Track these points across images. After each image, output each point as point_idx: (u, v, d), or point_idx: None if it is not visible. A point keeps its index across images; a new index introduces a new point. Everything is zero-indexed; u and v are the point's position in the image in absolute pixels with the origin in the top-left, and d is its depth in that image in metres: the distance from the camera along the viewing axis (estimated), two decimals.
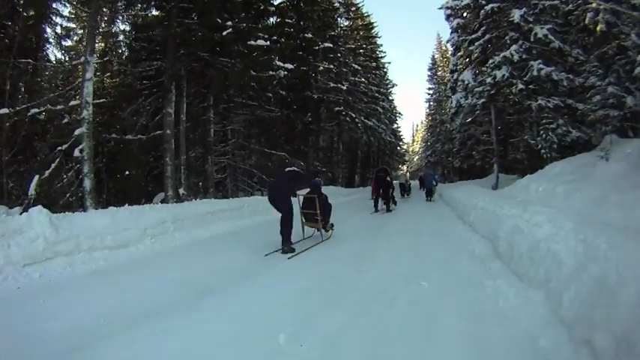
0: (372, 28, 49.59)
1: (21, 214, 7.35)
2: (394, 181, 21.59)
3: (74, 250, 7.38)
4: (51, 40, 19.43)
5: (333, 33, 33.70)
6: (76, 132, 12.83)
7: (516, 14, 18.93)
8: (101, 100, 17.70)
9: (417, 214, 17.14)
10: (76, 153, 12.82)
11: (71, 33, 20.25)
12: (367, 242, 9.99)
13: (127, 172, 18.36)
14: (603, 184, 10.17)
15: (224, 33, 17.02)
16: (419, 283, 6.02)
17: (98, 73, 19.43)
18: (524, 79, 19.02)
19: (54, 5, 18.02)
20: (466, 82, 24.35)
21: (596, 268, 4.03)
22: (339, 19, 38.83)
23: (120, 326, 4.34)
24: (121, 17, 19.83)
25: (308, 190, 9.96)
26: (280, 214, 8.68)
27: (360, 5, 45.97)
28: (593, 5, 14.56)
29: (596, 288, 3.82)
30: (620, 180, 9.97)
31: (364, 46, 47.98)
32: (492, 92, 21.88)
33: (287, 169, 8.94)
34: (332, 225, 10.41)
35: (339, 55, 34.21)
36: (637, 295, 3.20)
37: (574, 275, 4.33)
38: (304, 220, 9.84)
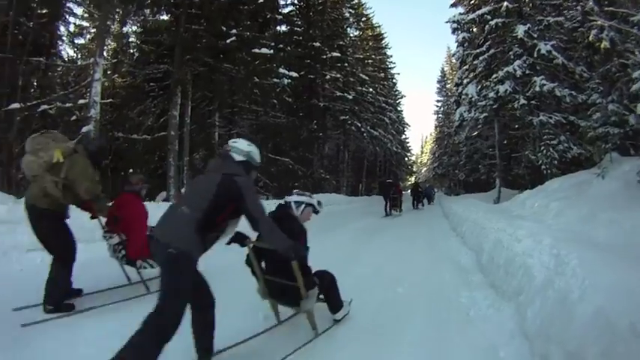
0: (382, 39, 49.89)
1: None
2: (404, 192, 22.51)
3: (80, 239, 7.72)
4: (64, 37, 19.83)
5: (341, 42, 33.82)
6: (84, 129, 13.18)
7: (520, 30, 18.94)
8: (109, 100, 18.12)
9: (414, 224, 17.34)
10: None
11: (84, 31, 20.59)
12: (358, 245, 10.38)
13: (130, 171, 18.62)
14: (595, 202, 10.22)
15: (228, 41, 17.48)
16: (394, 289, 6.27)
17: (109, 72, 19.82)
18: (527, 94, 19.09)
19: (68, 4, 18.42)
20: (470, 95, 24.33)
21: (562, 283, 4.12)
22: (348, 28, 39.02)
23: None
24: (131, 20, 20.16)
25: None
26: None
27: (370, 16, 46.43)
28: (598, 23, 14.68)
29: (558, 303, 3.93)
30: (613, 198, 9.98)
31: (373, 56, 47.90)
32: (495, 107, 22.01)
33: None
34: None
35: (346, 64, 34.25)
36: (593, 312, 3.27)
37: (541, 289, 4.46)
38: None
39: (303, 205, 4.68)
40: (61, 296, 4.95)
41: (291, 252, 3.71)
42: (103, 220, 5.79)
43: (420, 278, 7.19)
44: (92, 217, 5.72)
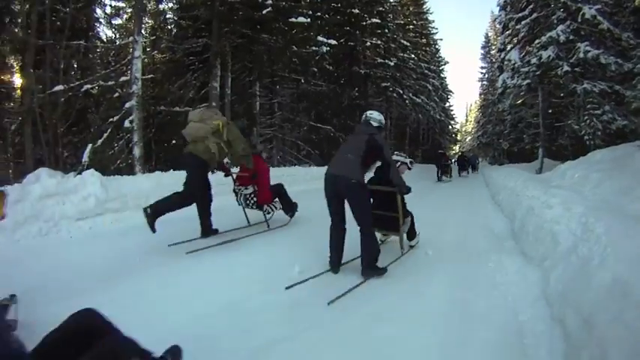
0: (423, 3, 49.19)
1: (75, 177, 8.03)
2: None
3: (121, 207, 8.22)
4: (101, 20, 20.24)
5: (381, 8, 33.18)
6: (127, 105, 13.62)
7: None
8: (150, 76, 18.44)
9: (455, 193, 17.24)
10: (126, 124, 13.58)
11: (121, 12, 20.82)
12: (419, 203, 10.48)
13: (173, 141, 18.99)
14: (636, 175, 10.10)
15: (264, 11, 17.58)
16: (425, 252, 6.46)
17: (148, 49, 20.10)
18: (571, 61, 18.67)
19: None
20: (513, 61, 23.88)
21: (585, 249, 4.18)
22: None
23: (153, 262, 5.53)
24: None
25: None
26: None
27: None
28: None
29: (579, 269, 3.99)
30: None
31: (414, 22, 47.47)
32: (538, 73, 21.59)
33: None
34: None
35: (386, 30, 33.72)
36: (610, 279, 3.32)
37: (565, 255, 4.52)
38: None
39: (399, 163, 6.43)
40: (208, 227, 6.97)
41: (404, 189, 5.59)
42: (235, 176, 7.91)
43: (453, 242, 7.40)
44: (226, 175, 7.89)
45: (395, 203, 5.84)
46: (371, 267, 5.19)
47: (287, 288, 4.70)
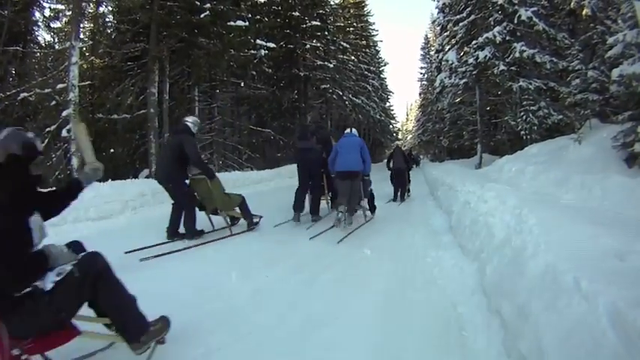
0: (364, 6, 49.54)
1: None
2: None
3: (59, 221, 7.91)
4: (40, 23, 19.54)
5: (321, 11, 33.20)
6: (64, 113, 13.36)
7: None
8: (86, 83, 18.06)
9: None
10: (64, 133, 13.30)
11: (60, 15, 20.16)
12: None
13: (111, 151, 18.64)
14: (570, 166, 10.42)
15: (202, 15, 17.40)
16: (363, 251, 6.47)
17: (87, 54, 19.67)
18: (507, 60, 19.15)
19: None
20: (450, 61, 24.43)
21: (518, 241, 4.24)
22: None
23: None
24: (106, 0, 20.03)
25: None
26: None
27: None
28: None
29: (512, 260, 4.07)
30: (588, 163, 10.27)
31: (354, 24, 47.76)
32: (475, 73, 22.11)
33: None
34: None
35: (326, 33, 33.80)
36: (542, 267, 3.37)
37: (499, 247, 4.60)
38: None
39: None
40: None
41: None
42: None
43: (390, 239, 7.52)
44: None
45: None
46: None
47: None
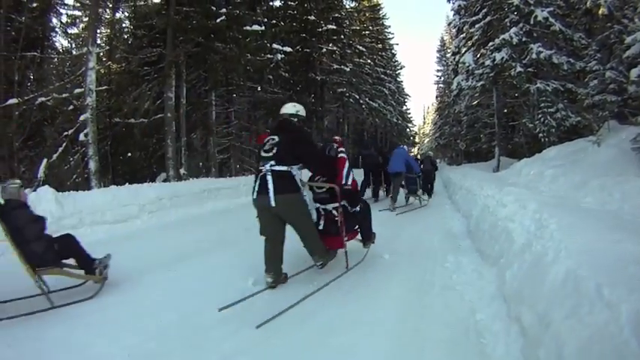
0: (379, 9, 49.56)
1: (30, 194, 7.86)
2: None
3: (77, 224, 8.08)
4: (57, 29, 19.70)
5: (337, 15, 33.28)
6: (81, 117, 13.43)
7: None
8: (104, 87, 18.18)
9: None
10: (81, 137, 13.41)
11: (77, 20, 20.32)
12: None
13: (129, 154, 18.75)
14: (589, 169, 10.27)
15: (218, 20, 17.48)
16: (381, 256, 6.37)
17: (104, 59, 19.81)
18: (524, 61, 19.00)
19: None
20: (467, 64, 24.27)
21: (539, 246, 4.17)
22: (343, 0, 37.84)
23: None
24: (122, 6, 20.13)
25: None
26: None
27: None
28: None
29: (533, 266, 4.00)
30: (607, 165, 10.04)
31: (370, 27, 47.70)
32: (492, 75, 21.94)
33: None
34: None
35: (342, 37, 33.85)
36: (564, 274, 3.31)
37: (519, 253, 4.53)
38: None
39: None
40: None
41: None
42: None
43: (410, 244, 7.43)
44: None
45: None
46: None
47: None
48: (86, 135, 13.25)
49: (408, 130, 69.54)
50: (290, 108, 5.27)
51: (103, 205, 8.95)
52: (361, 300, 4.66)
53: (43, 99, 14.88)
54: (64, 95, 15.22)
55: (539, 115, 17.86)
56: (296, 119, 5.22)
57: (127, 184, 11.25)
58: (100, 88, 16.55)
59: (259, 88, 22.49)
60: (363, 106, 39.36)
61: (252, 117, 24.67)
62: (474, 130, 38.95)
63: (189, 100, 18.68)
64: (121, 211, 9.29)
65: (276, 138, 4.84)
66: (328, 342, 3.69)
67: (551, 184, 10.86)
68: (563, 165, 12.24)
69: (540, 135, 17.76)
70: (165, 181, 15.66)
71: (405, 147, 15.86)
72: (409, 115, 70.75)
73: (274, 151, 4.75)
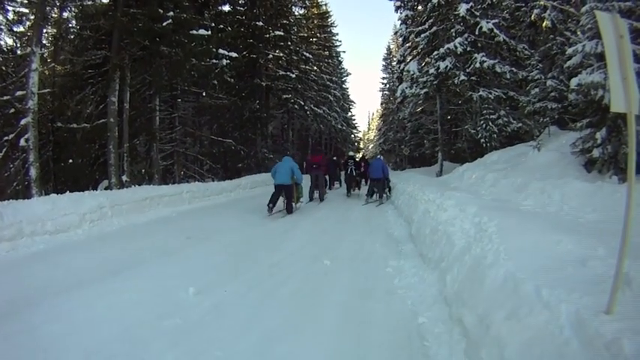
0: (328, 17, 49.70)
1: None
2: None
3: (17, 235, 7.75)
4: (2, 26, 19.05)
5: (285, 21, 33.20)
6: (22, 122, 12.99)
7: (463, 8, 19.13)
8: (46, 90, 17.57)
9: (353, 200, 17.48)
10: (22, 142, 12.97)
11: (23, 18, 19.68)
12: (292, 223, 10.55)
13: (70, 161, 18.25)
14: (530, 173, 10.55)
15: (164, 23, 17.17)
16: (322, 262, 6.41)
17: (48, 60, 19.23)
18: (468, 70, 19.42)
19: None
20: (411, 72, 24.64)
21: (478, 249, 4.33)
22: (293, 7, 38.02)
23: (46, 295, 4.88)
24: (70, 4, 19.58)
25: None
26: None
27: None
28: (541, 2, 15.17)
29: (472, 268, 4.12)
30: (547, 169, 10.39)
31: (318, 34, 47.83)
32: (436, 82, 22.36)
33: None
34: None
35: (290, 43, 33.81)
36: (503, 276, 3.45)
37: (459, 256, 4.66)
38: None
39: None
40: None
41: None
42: None
43: (350, 249, 7.49)
44: None
45: None
46: None
47: None
48: (27, 140, 12.83)
49: (352, 136, 70.05)
50: None
51: (44, 215, 8.62)
52: (302, 307, 4.67)
53: None
54: (5, 98, 14.68)
55: (482, 122, 18.30)
56: None
57: (69, 191, 10.89)
58: (43, 90, 16.01)
59: (204, 94, 22.24)
60: (308, 113, 39.34)
61: (197, 123, 24.45)
62: (418, 135, 39.53)
63: (132, 105, 18.26)
64: (61, 221, 8.98)
65: None
66: (271, 350, 3.69)
67: (492, 188, 11.10)
68: (504, 169, 12.57)
69: (482, 140, 18.18)
70: (107, 188, 15.29)
71: (382, 157, 21.86)
72: (354, 122, 71.36)
73: None
